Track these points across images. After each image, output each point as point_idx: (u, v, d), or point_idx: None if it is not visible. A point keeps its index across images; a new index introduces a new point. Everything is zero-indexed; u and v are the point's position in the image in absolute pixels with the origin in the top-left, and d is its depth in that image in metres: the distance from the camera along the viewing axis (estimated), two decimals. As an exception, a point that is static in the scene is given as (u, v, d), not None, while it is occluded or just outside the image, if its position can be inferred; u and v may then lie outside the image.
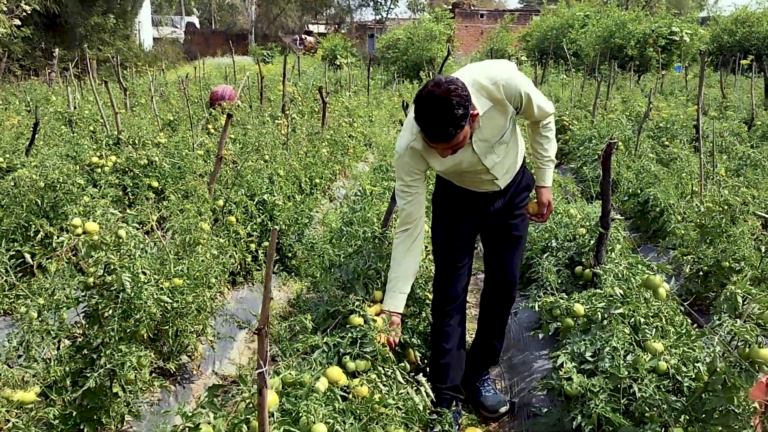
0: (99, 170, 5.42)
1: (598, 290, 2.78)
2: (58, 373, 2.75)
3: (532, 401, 3.22)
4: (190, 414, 1.80)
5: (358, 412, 2.28)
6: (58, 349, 2.93)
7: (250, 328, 4.36)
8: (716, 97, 11.38)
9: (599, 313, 2.56)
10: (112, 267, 2.95)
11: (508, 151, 2.85)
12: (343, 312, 2.68)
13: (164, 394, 3.36)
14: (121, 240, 3.11)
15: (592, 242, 3.63)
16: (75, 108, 8.25)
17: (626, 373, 2.29)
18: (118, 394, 2.91)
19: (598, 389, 2.25)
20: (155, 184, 5.59)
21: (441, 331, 3.10)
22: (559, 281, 3.55)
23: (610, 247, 3.47)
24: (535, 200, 3.07)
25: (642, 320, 2.43)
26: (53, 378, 2.75)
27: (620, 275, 2.63)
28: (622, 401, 2.28)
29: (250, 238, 4.77)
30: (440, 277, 3.08)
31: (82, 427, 2.82)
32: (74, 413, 2.78)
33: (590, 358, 2.40)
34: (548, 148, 3.00)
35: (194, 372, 3.56)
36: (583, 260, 3.71)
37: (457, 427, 3.06)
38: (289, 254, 5.12)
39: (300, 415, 1.88)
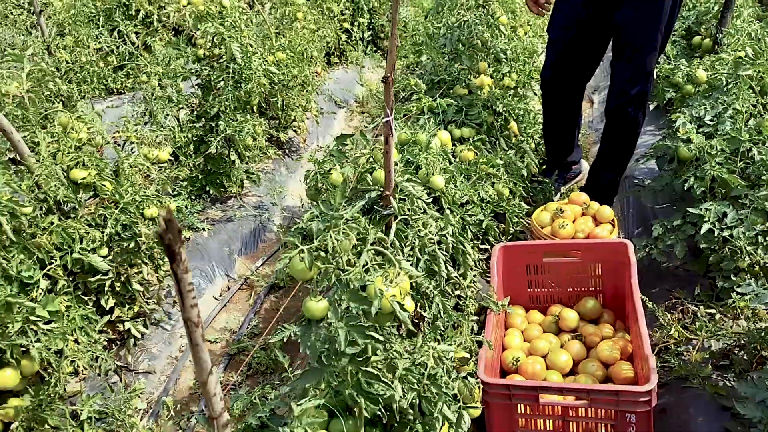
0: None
1: (723, 55, 2.61)
2: (182, 139, 2.95)
3: (635, 173, 3.23)
4: (320, 160, 1.92)
5: (467, 172, 2.37)
6: (178, 119, 3.11)
7: (348, 107, 4.45)
8: None
9: (723, 78, 2.43)
10: (221, 38, 2.99)
11: None
12: (448, 81, 2.67)
13: (276, 164, 3.57)
14: (224, 10, 3.12)
15: (715, 8, 3.33)
16: None
17: (747, 136, 2.22)
18: (236, 162, 3.12)
19: (715, 152, 2.21)
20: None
21: (543, 105, 3.04)
22: (674, 53, 3.34)
23: (736, 14, 3.18)
24: None
25: (772, 83, 2.30)
26: (178, 144, 2.96)
27: (752, 35, 2.42)
28: (739, 164, 2.24)
29: (342, 16, 4.67)
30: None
31: (207, 189, 3.08)
32: (199, 176, 3.02)
33: (710, 122, 2.32)
34: None
35: (301, 145, 3.74)
36: (702, 30, 3.44)
37: (558, 195, 3.15)
38: (382, 35, 5.01)
39: (420, 165, 1.97)
